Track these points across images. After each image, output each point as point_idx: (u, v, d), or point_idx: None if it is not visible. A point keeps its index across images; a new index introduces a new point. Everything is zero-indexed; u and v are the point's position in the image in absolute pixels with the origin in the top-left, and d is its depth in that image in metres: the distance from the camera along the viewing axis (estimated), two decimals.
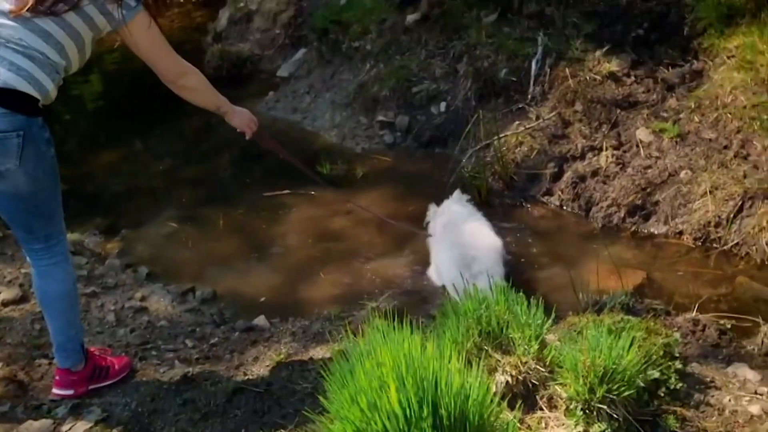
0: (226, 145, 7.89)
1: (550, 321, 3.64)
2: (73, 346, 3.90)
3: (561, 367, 3.44)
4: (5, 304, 4.95)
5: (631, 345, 3.33)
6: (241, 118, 4.30)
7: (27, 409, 3.90)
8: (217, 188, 7.12)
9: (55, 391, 3.97)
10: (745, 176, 5.56)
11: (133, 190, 7.09)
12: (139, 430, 3.65)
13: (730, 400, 3.54)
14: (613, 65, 6.64)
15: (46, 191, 3.60)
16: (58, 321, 3.86)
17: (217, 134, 8.18)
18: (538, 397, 3.43)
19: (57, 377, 3.97)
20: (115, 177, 7.45)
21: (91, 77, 10.31)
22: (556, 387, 3.42)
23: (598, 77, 6.57)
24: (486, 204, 6.28)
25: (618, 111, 6.41)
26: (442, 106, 7.41)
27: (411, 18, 8.05)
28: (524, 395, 3.42)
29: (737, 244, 5.37)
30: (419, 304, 4.92)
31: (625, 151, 6.19)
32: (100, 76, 10.37)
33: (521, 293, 3.76)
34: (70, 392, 3.96)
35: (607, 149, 6.21)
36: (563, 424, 3.32)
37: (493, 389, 3.29)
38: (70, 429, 3.72)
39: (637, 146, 6.16)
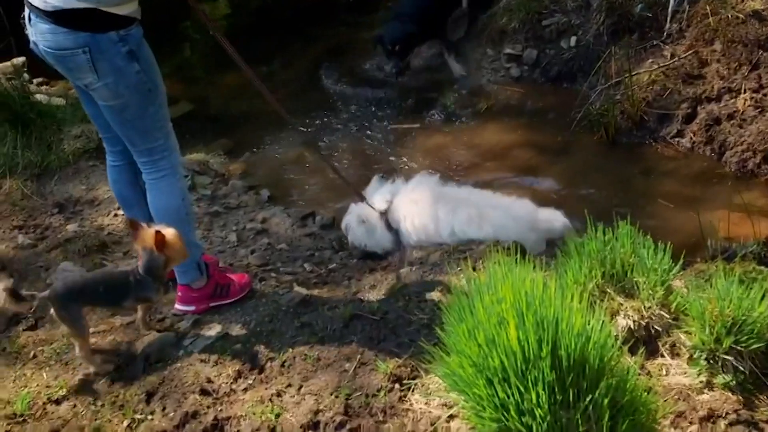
0: (350, 72, 7.89)
1: (677, 267, 3.50)
2: (188, 262, 3.93)
3: (686, 315, 3.33)
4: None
5: (763, 297, 3.19)
6: None
7: (151, 322, 4.02)
8: (337, 115, 7.12)
9: (177, 306, 4.08)
10: None
11: (257, 114, 7.14)
12: (256, 350, 3.71)
13: None
14: (757, 2, 6.28)
15: (135, 106, 3.62)
16: None
17: (341, 60, 8.19)
18: (660, 344, 3.33)
19: (179, 293, 4.07)
20: (239, 100, 7.52)
21: (220, 4, 10.41)
22: (680, 334, 3.31)
23: (741, 15, 6.22)
24: (612, 143, 6.12)
25: (760, 52, 6.06)
26: (573, 40, 7.19)
27: None
28: (646, 341, 3.33)
29: None
30: None
31: (765, 95, 5.87)
32: (230, 3, 10.45)
33: (648, 236, 3.64)
34: (191, 308, 4.06)
35: (745, 92, 5.91)
36: (685, 372, 3.22)
37: (615, 333, 3.21)
38: (191, 344, 3.82)
39: None
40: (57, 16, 3.39)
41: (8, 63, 6.78)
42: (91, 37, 3.41)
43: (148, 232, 3.53)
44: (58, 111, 5.91)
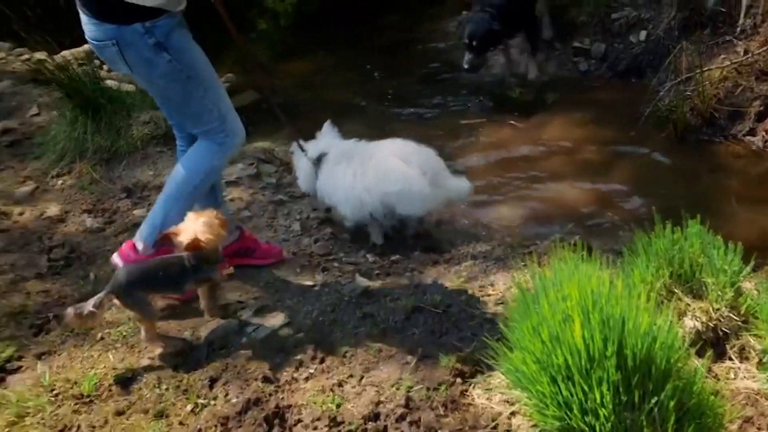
0: (416, 63, 7.88)
1: (747, 268, 3.44)
2: (153, 223, 3.97)
3: (756, 318, 3.27)
4: None
5: None
6: None
7: (214, 307, 4.05)
8: (404, 106, 7.11)
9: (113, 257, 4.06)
10: None
11: (322, 102, 7.17)
12: (319, 338, 3.73)
13: None
14: None
15: (176, 94, 3.67)
16: (164, 192, 4.02)
17: (407, 52, 8.18)
18: (728, 347, 3.28)
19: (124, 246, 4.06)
20: (305, 89, 7.56)
21: None
22: (750, 338, 3.25)
23: None
24: (681, 139, 6.02)
25: None
26: (642, 35, 7.09)
27: None
28: (714, 343, 3.27)
29: None
30: (606, 238, 4.77)
31: None
32: None
33: (717, 236, 3.57)
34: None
35: None
36: (754, 377, 3.16)
37: (682, 334, 3.16)
38: (254, 331, 3.85)
39: None
40: (88, 8, 3.47)
41: (81, 49, 6.89)
42: (117, 29, 3.47)
43: (184, 237, 3.59)
44: (128, 97, 5.99)
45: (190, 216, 3.67)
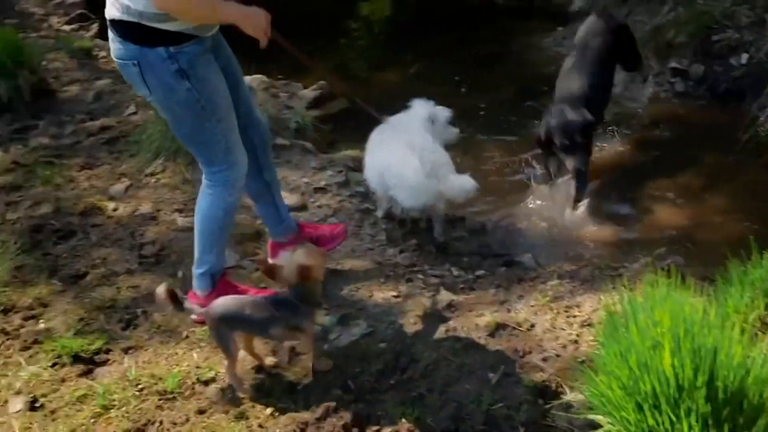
0: (508, 77, 7.83)
1: None
2: (200, 271, 4.00)
3: None
4: (289, 209, 5.17)
5: None
6: (255, 22, 3.57)
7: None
8: (493, 120, 7.06)
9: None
10: None
11: None
12: (400, 350, 3.72)
13: None
14: None
15: (189, 122, 3.62)
16: (196, 238, 3.99)
17: (499, 66, 8.15)
18: None
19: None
20: (397, 98, 7.53)
21: (382, 4, 10.54)
22: None
23: None
24: None
25: None
26: (744, 57, 6.92)
27: None
28: None
29: None
30: (699, 264, 4.65)
31: None
32: (390, 3, 10.56)
33: None
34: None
35: None
36: None
37: None
38: (336, 338, 3.86)
39: None
40: (113, 26, 3.45)
41: None
42: (139, 51, 3.42)
43: (288, 267, 3.47)
44: None
45: (285, 252, 3.60)
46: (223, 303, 3.54)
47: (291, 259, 3.48)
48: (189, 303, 3.74)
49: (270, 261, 3.67)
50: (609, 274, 4.32)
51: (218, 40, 3.74)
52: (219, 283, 4.04)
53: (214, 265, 4.02)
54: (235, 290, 4.04)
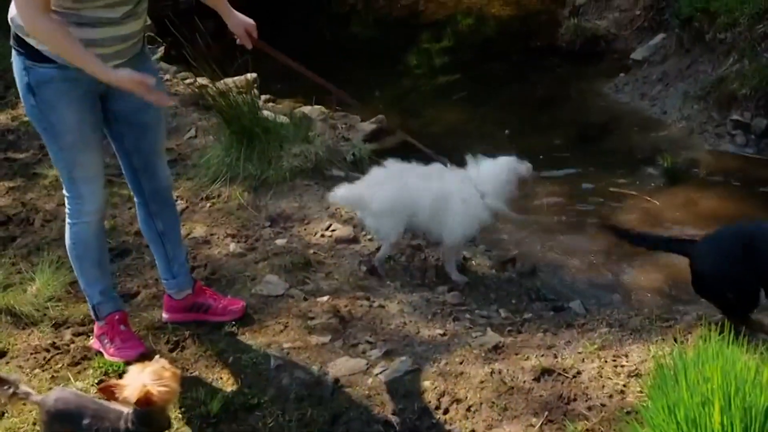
0: (568, 121, 7.81)
1: None
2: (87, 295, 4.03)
3: None
4: (338, 241, 5.21)
5: None
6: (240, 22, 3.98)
7: (344, 346, 4.10)
8: (547, 161, 7.02)
9: None
10: None
11: (473, 149, 7.15)
12: (444, 388, 3.70)
13: None
14: None
15: (41, 134, 3.68)
16: None
17: (558, 109, 8.13)
18: None
19: None
20: (455, 136, 7.58)
21: (444, 38, 10.60)
22: None
23: None
24: None
25: None
26: None
27: None
28: None
29: None
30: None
31: None
32: (452, 38, 10.62)
33: None
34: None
35: None
36: None
37: None
38: (380, 373, 3.85)
39: None
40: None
41: (242, 78, 7.12)
42: (13, 53, 3.50)
43: (130, 388, 3.01)
44: (282, 129, 6.14)
45: (134, 368, 3.11)
46: (62, 398, 3.27)
47: (135, 379, 3.03)
48: (23, 386, 3.32)
49: (113, 381, 3.16)
50: (660, 325, 4.25)
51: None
52: (107, 321, 4.03)
53: (91, 296, 4.03)
54: (124, 336, 4.04)
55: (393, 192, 4.79)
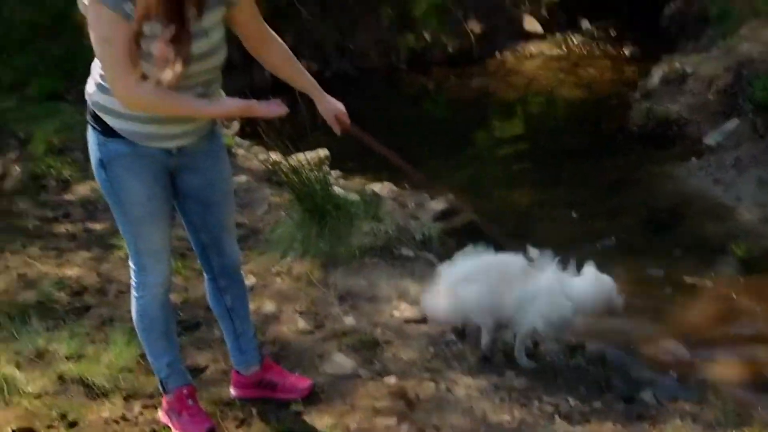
0: (637, 205, 7.74)
1: None
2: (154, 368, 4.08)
3: None
4: (407, 321, 5.21)
5: None
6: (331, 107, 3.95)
7: (410, 429, 4.07)
8: (619, 248, 6.94)
9: None
10: None
11: (546, 236, 7.12)
12: None
13: None
14: None
15: (111, 207, 3.75)
16: None
17: (629, 192, 8.07)
18: None
19: None
20: (521, 217, 7.58)
21: (514, 120, 10.67)
22: None
23: None
24: None
25: None
26: None
27: None
28: None
29: None
30: None
31: None
32: (522, 120, 10.68)
33: None
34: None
35: None
36: None
37: None
38: None
39: None
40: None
41: (314, 154, 7.24)
42: (89, 125, 3.59)
43: None
44: (352, 206, 6.21)
45: None
46: None
47: None
48: None
49: None
50: (736, 420, 4.15)
51: (190, 160, 3.75)
52: (175, 395, 4.07)
53: (158, 369, 4.08)
54: (191, 410, 4.07)
55: (481, 296, 4.77)
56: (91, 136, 3.62)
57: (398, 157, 4.50)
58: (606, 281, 4.79)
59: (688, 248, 6.87)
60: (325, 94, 4.02)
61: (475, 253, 4.94)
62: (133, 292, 3.94)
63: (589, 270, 4.78)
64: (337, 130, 4.05)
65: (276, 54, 3.84)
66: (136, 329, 4.05)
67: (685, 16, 11.65)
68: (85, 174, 7.42)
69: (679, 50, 10.52)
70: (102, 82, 3.48)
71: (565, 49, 12.40)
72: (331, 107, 4.01)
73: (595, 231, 7.23)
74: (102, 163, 3.59)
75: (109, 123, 3.53)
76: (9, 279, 5.75)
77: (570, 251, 6.58)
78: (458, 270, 4.91)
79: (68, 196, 7.25)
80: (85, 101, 3.61)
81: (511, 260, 4.89)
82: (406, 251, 6.03)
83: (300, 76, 3.95)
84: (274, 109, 3.55)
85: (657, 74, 9.97)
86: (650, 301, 6.07)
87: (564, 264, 4.84)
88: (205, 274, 4.18)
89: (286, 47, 3.87)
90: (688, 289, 6.22)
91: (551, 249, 6.56)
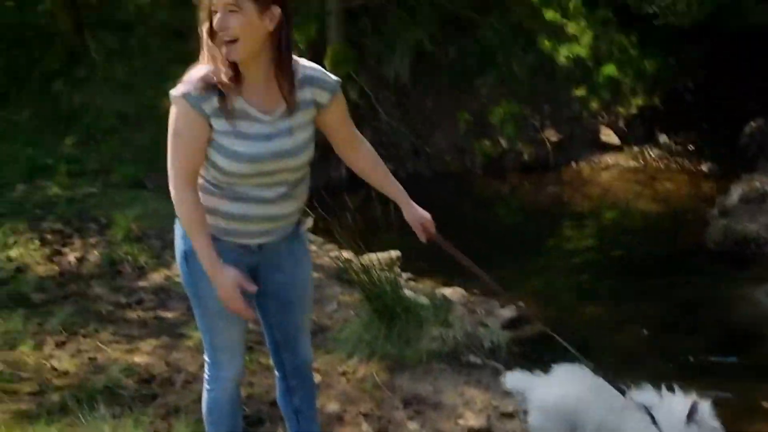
0: (712, 326, 7.56)
1: None
2: None
3: None
4: (471, 430, 5.11)
5: None
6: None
7: None
8: (691, 369, 6.75)
9: None
10: None
11: (620, 348, 7.02)
12: None
13: None
14: None
15: (190, 298, 3.76)
16: None
17: (704, 312, 7.90)
18: None
19: None
20: (591, 329, 7.43)
21: (588, 230, 10.60)
22: None
23: None
24: None
25: None
26: None
27: None
28: None
29: None
30: None
31: None
32: (596, 230, 10.60)
33: None
34: None
35: None
36: None
37: None
38: None
39: None
40: None
41: (385, 255, 7.26)
42: (176, 217, 3.60)
43: None
44: (422, 309, 6.18)
45: None
46: None
47: None
48: None
49: None
50: None
51: (270, 258, 3.75)
52: None
53: None
54: None
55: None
56: (178, 228, 3.68)
57: (480, 270, 4.44)
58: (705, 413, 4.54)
59: (765, 372, 6.66)
60: (412, 201, 3.98)
61: (570, 372, 4.72)
62: (206, 385, 3.95)
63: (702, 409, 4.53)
64: (422, 237, 4.00)
65: (364, 158, 3.85)
66: (205, 422, 4.03)
67: (765, 135, 11.60)
68: (160, 262, 7.58)
69: (759, 169, 10.41)
70: None
71: (641, 162, 12.36)
72: (418, 215, 3.97)
73: (667, 349, 7.07)
74: (185, 255, 3.64)
75: (181, 225, 3.61)
76: (80, 362, 5.83)
77: (640, 369, 6.50)
78: (566, 391, 4.61)
79: (142, 283, 7.37)
80: (167, 191, 3.70)
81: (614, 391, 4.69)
82: (474, 358, 5.97)
83: (387, 182, 3.94)
84: (236, 306, 3.54)
85: (736, 192, 9.87)
86: (726, 426, 5.87)
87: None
88: (275, 372, 4.15)
89: (374, 152, 3.90)
90: (762, 415, 6.01)
91: (621, 364, 6.50)
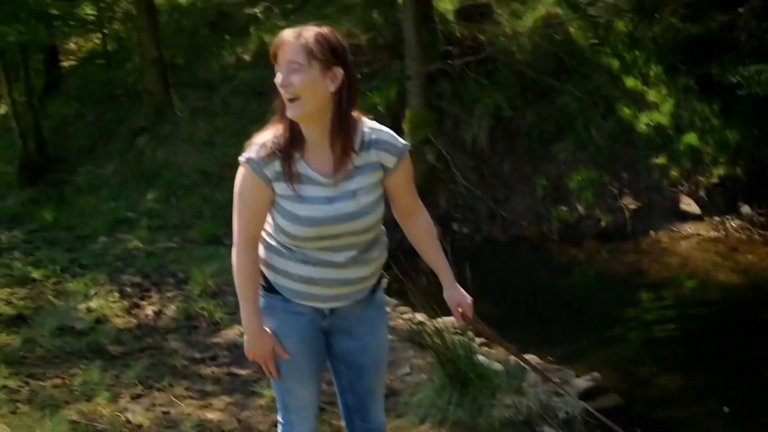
0: None
1: None
2: None
3: None
4: None
5: None
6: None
7: None
8: None
9: None
10: None
11: (691, 424, 6.83)
12: None
13: None
14: None
15: None
16: None
17: None
18: None
19: None
20: (668, 404, 7.27)
21: (666, 300, 10.39)
22: None
23: None
24: None
25: None
26: None
27: None
28: None
29: None
30: None
31: None
32: (675, 301, 10.39)
33: None
34: None
35: None
36: None
37: None
38: None
39: None
40: None
41: None
42: None
43: None
44: (495, 376, 6.10)
45: None
46: None
47: None
48: None
49: None
50: None
51: (342, 324, 3.72)
52: None
53: None
54: None
55: None
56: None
57: (521, 354, 4.34)
58: None
59: None
60: (455, 282, 3.89)
61: None
62: None
63: None
64: (459, 320, 3.93)
65: (420, 228, 3.81)
66: None
67: None
68: (235, 318, 7.63)
69: None
70: (266, 238, 3.60)
71: (722, 233, 12.12)
72: (458, 297, 3.87)
73: (747, 428, 6.85)
74: (264, 314, 3.64)
75: (268, 277, 3.62)
76: (153, 416, 5.87)
77: None
78: None
79: (217, 339, 7.44)
80: None
81: None
82: (548, 429, 5.85)
83: (436, 257, 3.85)
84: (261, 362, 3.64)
85: None
86: None
87: None
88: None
89: (432, 225, 3.85)
90: None
91: None
